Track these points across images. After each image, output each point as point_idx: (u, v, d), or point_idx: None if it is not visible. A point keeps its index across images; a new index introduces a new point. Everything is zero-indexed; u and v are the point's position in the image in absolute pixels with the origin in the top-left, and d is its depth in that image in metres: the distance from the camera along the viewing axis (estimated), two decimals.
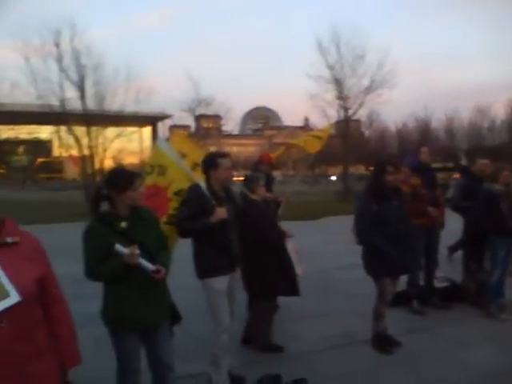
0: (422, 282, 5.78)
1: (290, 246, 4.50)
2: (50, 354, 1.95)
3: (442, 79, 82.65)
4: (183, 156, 4.31)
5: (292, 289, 4.39)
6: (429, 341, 4.66)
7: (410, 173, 5.74)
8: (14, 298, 1.77)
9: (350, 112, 28.54)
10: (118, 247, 2.64)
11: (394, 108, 50.24)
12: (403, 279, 5.15)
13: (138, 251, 2.65)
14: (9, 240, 1.84)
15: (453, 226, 6.19)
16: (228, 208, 3.58)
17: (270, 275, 4.26)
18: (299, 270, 4.48)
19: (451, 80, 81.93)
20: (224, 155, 3.80)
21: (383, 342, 4.45)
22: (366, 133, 45.11)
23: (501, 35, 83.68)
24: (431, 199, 5.58)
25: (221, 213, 3.45)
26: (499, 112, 47.77)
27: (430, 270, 5.79)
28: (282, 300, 5.22)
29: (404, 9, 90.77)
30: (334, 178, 33.70)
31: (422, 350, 4.41)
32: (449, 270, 6.53)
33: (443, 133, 47.67)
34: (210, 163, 3.69)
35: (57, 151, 53.36)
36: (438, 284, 5.90)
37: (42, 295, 1.93)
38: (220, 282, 3.57)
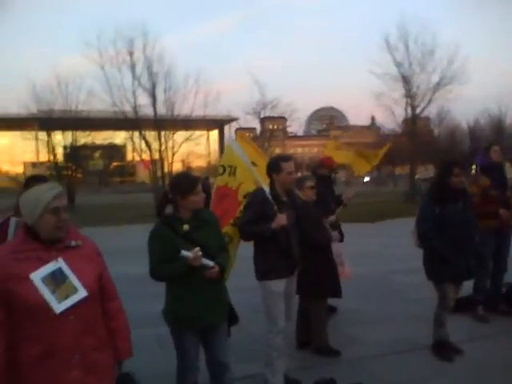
0: (488, 288, 5.54)
1: (334, 248, 4.53)
2: (109, 346, 2.17)
3: None
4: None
5: (335, 290, 4.41)
6: (492, 349, 4.49)
7: (480, 173, 5.51)
8: (81, 293, 2.05)
9: (418, 110, 27.60)
10: (184, 252, 2.80)
11: (465, 104, 47.78)
12: (469, 284, 4.97)
13: (200, 253, 2.82)
14: (73, 243, 2.13)
15: None
16: (289, 213, 3.64)
17: (319, 276, 4.32)
18: (344, 272, 4.49)
19: None
20: (287, 159, 3.81)
21: (444, 349, 4.34)
22: (436, 131, 43.35)
23: None
24: (502, 201, 5.33)
25: (281, 219, 3.51)
26: None
27: (497, 275, 5.53)
28: (340, 304, 5.22)
29: (476, 1, 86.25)
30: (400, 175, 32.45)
31: (484, 359, 4.26)
32: None
33: None
34: (274, 167, 3.74)
35: (130, 155, 56.22)
36: (504, 290, 5.63)
37: (100, 292, 2.20)
38: (277, 285, 3.64)
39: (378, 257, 8.91)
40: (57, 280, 2.00)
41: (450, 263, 4.13)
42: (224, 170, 4.31)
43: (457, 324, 4.79)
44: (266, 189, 3.68)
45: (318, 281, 4.34)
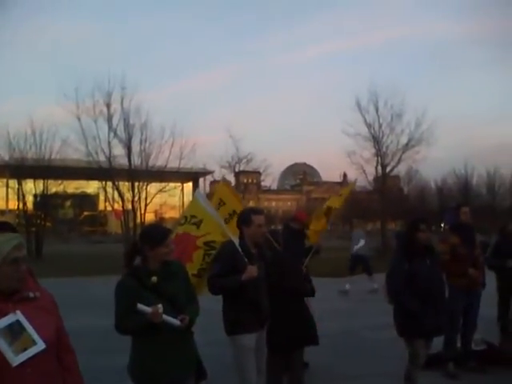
0: (458, 344, 5.56)
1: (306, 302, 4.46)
2: None
3: (483, 135, 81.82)
4: (223, 203, 4.48)
5: (313, 337, 4.26)
6: None
7: (450, 231, 5.66)
8: (40, 345, 1.99)
9: (388, 168, 28.46)
10: (141, 306, 2.71)
11: (434, 164, 49.66)
12: (439, 340, 4.96)
13: (161, 310, 2.71)
14: (31, 295, 2.08)
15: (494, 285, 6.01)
16: (259, 265, 3.62)
17: (291, 326, 4.11)
18: None
19: (492, 136, 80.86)
20: (258, 212, 3.84)
21: None
22: (405, 189, 44.57)
23: None
24: (471, 259, 5.46)
25: (252, 271, 3.49)
26: None
27: (467, 332, 5.56)
28: (311, 360, 5.10)
29: (442, 67, 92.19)
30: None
31: None
32: (485, 331, 6.22)
33: (484, 190, 46.37)
34: (244, 219, 3.75)
35: (102, 205, 55.45)
36: (475, 347, 5.65)
37: (57, 344, 2.13)
38: (248, 339, 3.57)
39: (352, 312, 8.85)
40: (14, 332, 1.95)
41: (419, 319, 4.13)
42: (185, 221, 4.31)
43: (428, 381, 4.74)
44: (236, 241, 3.68)
45: (286, 331, 4.11)
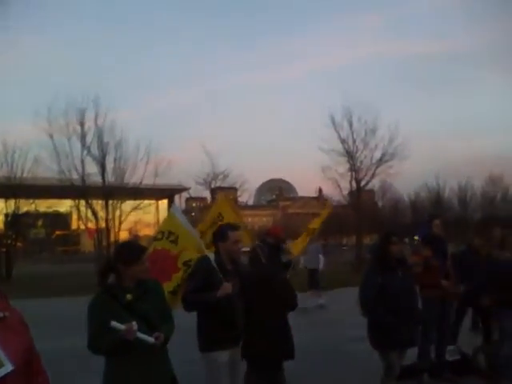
0: (433, 355, 5.64)
1: None
2: None
3: (455, 149, 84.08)
4: (222, 218, 4.48)
5: (290, 351, 4.21)
6: None
7: (423, 244, 5.76)
8: (8, 367, 1.92)
9: (363, 183, 28.88)
10: (115, 324, 2.65)
11: (407, 178, 50.68)
12: (414, 352, 5.00)
13: (135, 327, 2.66)
14: (0, 315, 2.01)
15: None
16: (235, 282, 3.61)
17: (268, 341, 4.03)
18: None
19: (463, 150, 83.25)
20: (234, 228, 3.84)
21: None
22: (380, 203, 45.22)
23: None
24: (443, 271, 5.56)
25: (226, 288, 3.48)
26: None
27: (441, 342, 5.63)
28: (288, 373, 5.06)
29: (415, 84, 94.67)
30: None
31: None
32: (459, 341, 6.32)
33: (456, 202, 47.46)
34: (220, 235, 3.75)
35: (75, 224, 54.31)
36: (449, 357, 5.72)
37: (26, 366, 2.07)
38: (221, 356, 3.55)
39: (327, 325, 8.87)
40: None
41: (392, 331, 4.17)
42: (162, 236, 4.28)
43: None
44: (211, 256, 3.67)
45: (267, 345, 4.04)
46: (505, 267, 5.25)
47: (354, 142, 28.42)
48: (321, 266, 11.93)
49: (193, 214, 50.61)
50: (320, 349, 7.09)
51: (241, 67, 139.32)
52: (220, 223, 4.49)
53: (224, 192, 42.55)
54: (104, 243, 26.08)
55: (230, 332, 3.59)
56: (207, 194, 40.96)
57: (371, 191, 40.17)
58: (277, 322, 4.09)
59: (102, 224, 25.91)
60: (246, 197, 52.51)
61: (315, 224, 6.99)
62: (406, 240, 19.94)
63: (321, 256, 12.00)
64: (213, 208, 4.90)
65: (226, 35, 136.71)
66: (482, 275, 5.43)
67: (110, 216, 25.73)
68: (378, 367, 4.51)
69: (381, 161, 28.22)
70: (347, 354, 6.80)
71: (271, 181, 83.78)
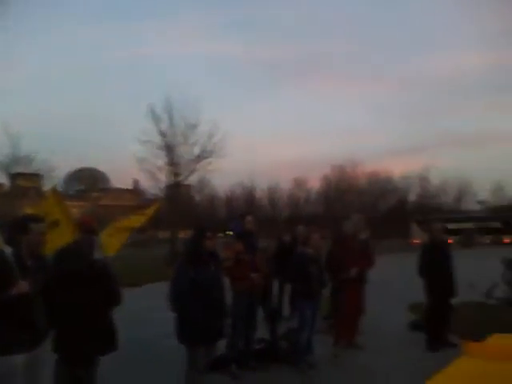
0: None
1: None
2: None
3: (267, 152, 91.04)
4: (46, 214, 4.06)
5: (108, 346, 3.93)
6: None
7: (235, 238, 5.98)
8: None
9: (181, 178, 29.13)
10: None
11: (225, 176, 52.97)
12: (222, 343, 5.16)
13: None
14: None
15: None
16: (35, 279, 3.26)
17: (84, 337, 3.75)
18: None
19: (274, 154, 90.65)
20: (37, 219, 3.51)
21: None
22: (197, 198, 46.31)
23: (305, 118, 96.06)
24: (253, 265, 5.85)
25: (22, 287, 3.13)
26: (315, 185, 53.95)
27: (249, 333, 5.92)
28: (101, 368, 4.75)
29: (238, 84, 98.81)
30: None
31: None
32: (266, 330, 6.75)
33: (266, 202, 51.72)
34: (20, 227, 3.38)
35: None
36: (256, 346, 6.05)
37: None
38: (17, 360, 3.17)
39: (144, 321, 8.64)
40: None
41: (202, 325, 4.20)
42: None
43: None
44: (8, 250, 3.20)
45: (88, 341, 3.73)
46: (300, 261, 5.82)
47: (174, 135, 28.49)
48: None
49: None
50: (130, 346, 6.81)
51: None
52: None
53: (24, 179, 38.25)
54: None
55: (29, 334, 3.22)
56: (5, 180, 36.19)
57: (189, 186, 40.85)
58: (91, 318, 3.76)
59: None
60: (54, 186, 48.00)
61: (134, 222, 6.37)
62: (221, 235, 20.81)
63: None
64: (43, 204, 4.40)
65: None
66: (291, 268, 5.93)
67: None
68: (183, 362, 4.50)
69: (200, 157, 28.83)
70: (155, 351, 6.70)
71: (83, 169, 78.04)
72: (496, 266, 9.82)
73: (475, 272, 11.62)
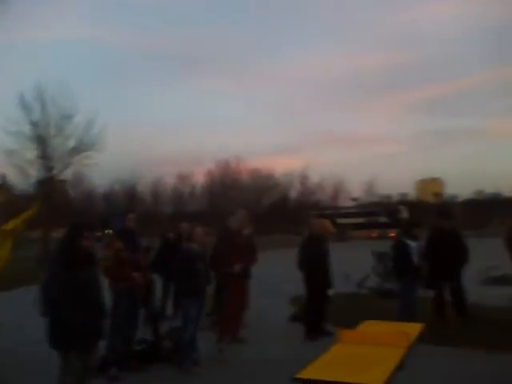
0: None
1: None
2: None
3: (150, 146, 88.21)
4: None
5: None
6: None
7: (115, 236, 5.74)
8: None
9: (55, 172, 27.09)
10: None
11: (103, 169, 50.15)
12: (103, 345, 4.88)
13: None
14: None
15: None
16: None
17: None
18: None
19: (158, 148, 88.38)
20: None
21: None
22: (72, 194, 43.53)
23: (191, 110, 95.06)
24: (135, 263, 5.67)
25: None
26: (200, 179, 53.84)
27: (130, 333, 5.71)
28: None
29: (117, 78, 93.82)
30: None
31: None
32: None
33: (149, 196, 50.36)
34: None
35: None
36: (136, 346, 5.86)
37: None
38: None
39: (22, 327, 7.93)
40: None
41: (77, 329, 3.91)
42: None
43: None
44: None
45: None
46: (186, 257, 5.74)
47: (47, 126, 26.35)
48: None
49: None
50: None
51: None
52: None
53: None
54: None
55: None
56: None
57: (63, 181, 38.13)
58: None
59: None
60: None
61: (9, 226, 5.68)
62: (98, 234, 19.72)
63: None
64: None
65: None
66: (176, 265, 5.82)
67: None
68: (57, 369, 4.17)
69: (75, 150, 27.01)
70: (25, 358, 6.15)
71: None
72: (368, 258, 10.70)
73: (349, 264, 12.56)
